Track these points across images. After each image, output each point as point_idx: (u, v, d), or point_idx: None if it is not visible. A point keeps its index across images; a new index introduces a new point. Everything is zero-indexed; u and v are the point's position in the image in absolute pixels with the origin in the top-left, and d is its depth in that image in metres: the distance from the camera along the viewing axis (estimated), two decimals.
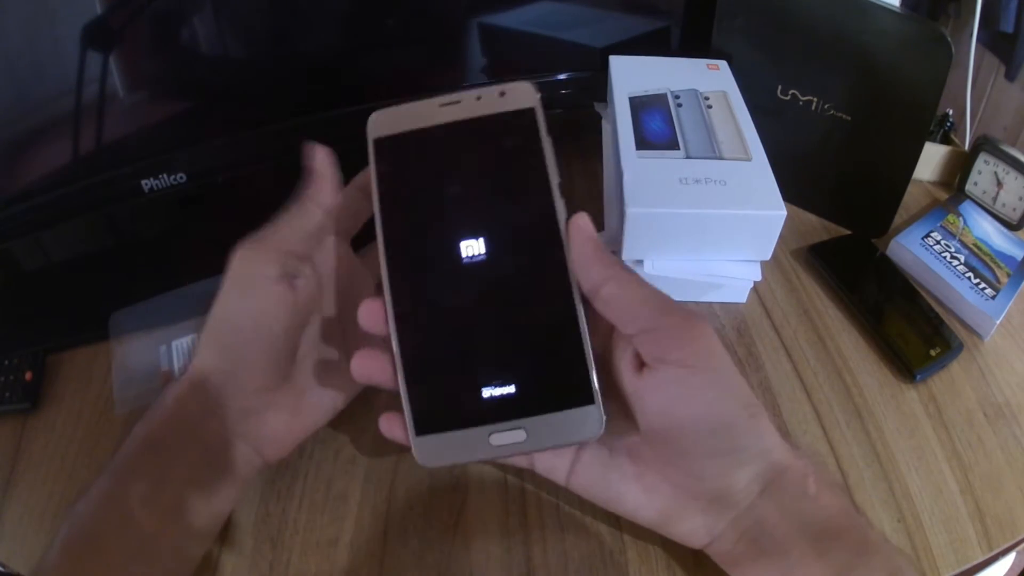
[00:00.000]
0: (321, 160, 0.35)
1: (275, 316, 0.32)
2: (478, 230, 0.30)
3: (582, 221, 0.30)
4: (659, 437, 0.30)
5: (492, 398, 0.29)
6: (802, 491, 0.30)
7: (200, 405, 0.33)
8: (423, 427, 0.30)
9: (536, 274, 0.30)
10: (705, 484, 0.30)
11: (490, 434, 0.29)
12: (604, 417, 0.29)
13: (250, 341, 0.33)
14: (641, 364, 0.30)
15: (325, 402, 0.37)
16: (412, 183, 0.31)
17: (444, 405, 0.30)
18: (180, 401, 0.33)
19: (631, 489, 0.32)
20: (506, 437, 0.29)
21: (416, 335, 0.30)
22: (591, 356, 0.30)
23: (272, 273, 0.32)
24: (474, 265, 0.30)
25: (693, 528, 0.32)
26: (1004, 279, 0.49)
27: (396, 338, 0.30)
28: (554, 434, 0.30)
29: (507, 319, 0.30)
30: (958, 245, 0.52)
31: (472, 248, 0.30)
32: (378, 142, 0.32)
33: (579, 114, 0.59)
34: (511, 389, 0.29)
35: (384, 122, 0.32)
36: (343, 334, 0.37)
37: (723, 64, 0.54)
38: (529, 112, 0.31)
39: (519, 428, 0.29)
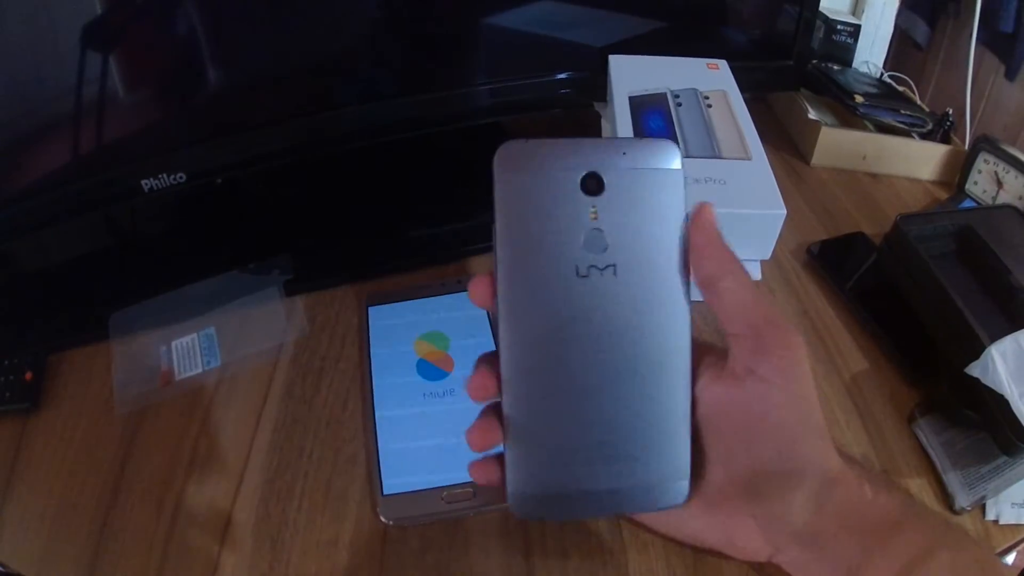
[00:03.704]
0: None
1: None
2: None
3: (707, 210, 0.29)
4: (722, 450, 0.30)
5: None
6: (859, 498, 0.30)
7: None
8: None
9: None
10: (762, 502, 0.30)
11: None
12: (689, 489, 0.30)
13: None
14: (721, 373, 0.30)
15: None
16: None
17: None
18: None
19: (692, 513, 0.32)
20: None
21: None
22: (689, 434, 0.30)
23: None
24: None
25: (755, 546, 0.31)
26: None
27: (506, 398, 0.29)
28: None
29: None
30: None
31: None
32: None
33: (579, 114, 0.59)
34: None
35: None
36: None
37: (723, 64, 0.54)
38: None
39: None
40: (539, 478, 0.29)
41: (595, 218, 0.28)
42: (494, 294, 0.28)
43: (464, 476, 0.35)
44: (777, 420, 0.29)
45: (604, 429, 0.29)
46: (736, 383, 0.29)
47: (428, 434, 0.39)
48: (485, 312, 0.46)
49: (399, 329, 0.45)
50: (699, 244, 0.29)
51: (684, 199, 0.29)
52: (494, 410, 0.30)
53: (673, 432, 0.30)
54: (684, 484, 0.30)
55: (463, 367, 0.42)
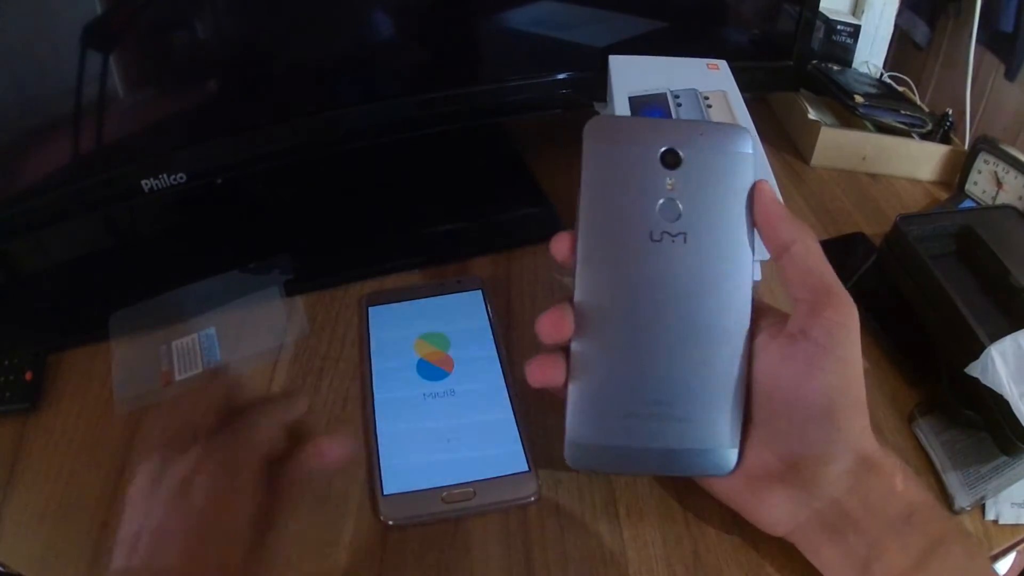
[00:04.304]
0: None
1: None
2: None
3: (766, 186, 0.31)
4: (767, 411, 0.31)
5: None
6: (890, 488, 0.30)
7: None
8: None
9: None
10: (797, 468, 0.31)
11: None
12: (736, 460, 0.31)
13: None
14: (778, 335, 0.31)
15: None
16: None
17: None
18: None
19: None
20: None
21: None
22: (742, 404, 0.31)
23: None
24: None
25: (777, 515, 0.32)
26: None
27: (575, 345, 0.31)
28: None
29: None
30: None
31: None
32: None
33: (579, 114, 0.59)
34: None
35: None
36: None
37: (723, 64, 0.54)
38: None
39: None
40: (597, 428, 0.31)
41: (671, 189, 0.31)
42: (573, 249, 0.31)
43: (463, 476, 0.36)
44: (821, 384, 0.30)
45: (664, 388, 0.31)
46: (789, 343, 0.31)
47: (428, 434, 0.39)
48: (485, 313, 0.46)
49: (399, 329, 0.45)
50: (770, 213, 0.31)
51: (753, 181, 0.32)
52: (559, 352, 0.31)
53: (727, 398, 0.31)
54: (733, 453, 0.31)
55: (463, 367, 0.43)
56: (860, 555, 0.30)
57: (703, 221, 0.31)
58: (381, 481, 0.37)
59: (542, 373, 0.31)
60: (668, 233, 0.31)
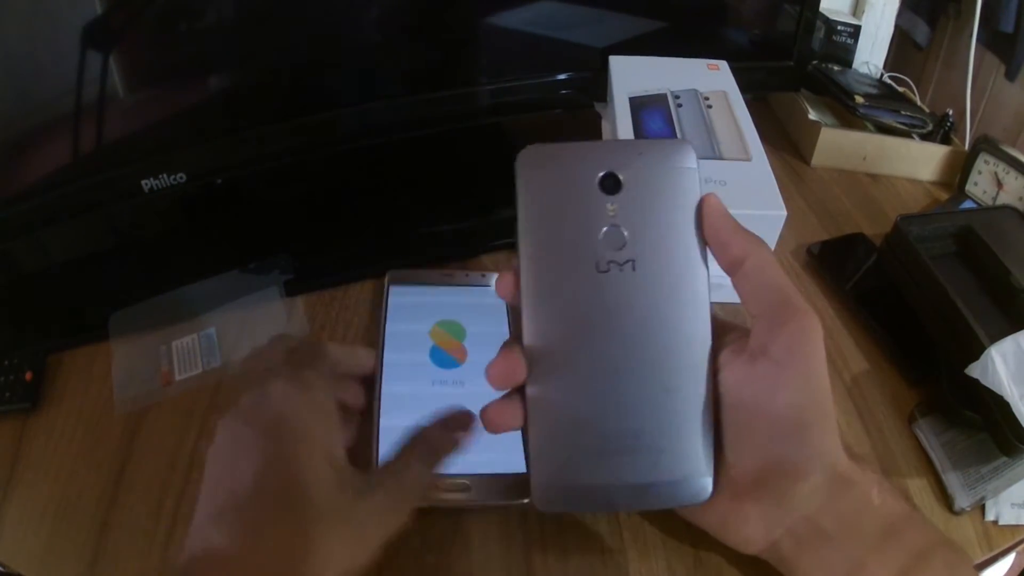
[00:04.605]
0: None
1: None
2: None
3: (713, 199, 0.30)
4: (735, 430, 0.30)
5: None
6: (865, 502, 0.30)
7: None
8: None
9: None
10: (768, 486, 0.30)
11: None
12: (712, 487, 0.30)
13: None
14: (740, 354, 0.30)
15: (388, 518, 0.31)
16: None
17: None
18: None
19: None
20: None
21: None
22: (712, 429, 0.30)
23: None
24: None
25: (749, 533, 0.31)
26: None
27: (530, 389, 0.29)
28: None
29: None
30: None
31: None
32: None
33: (579, 114, 0.59)
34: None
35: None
36: None
37: (723, 64, 0.54)
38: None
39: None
40: (564, 468, 0.30)
41: (614, 215, 0.29)
42: (518, 287, 0.29)
43: (460, 468, 0.35)
44: (786, 401, 0.29)
45: (629, 419, 0.30)
46: (751, 362, 0.29)
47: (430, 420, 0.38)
48: (504, 308, 0.46)
49: (418, 310, 0.45)
50: (718, 229, 0.30)
51: (699, 196, 0.30)
52: (515, 395, 0.30)
53: (696, 424, 0.30)
54: (708, 481, 0.30)
55: (476, 359, 0.42)
56: (838, 571, 0.29)
57: (651, 245, 0.29)
58: (376, 456, 0.37)
59: (500, 418, 0.30)
60: (615, 262, 0.29)
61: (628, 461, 0.30)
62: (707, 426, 0.30)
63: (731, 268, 0.30)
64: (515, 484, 0.36)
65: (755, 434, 0.30)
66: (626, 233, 0.29)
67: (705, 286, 0.30)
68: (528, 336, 0.29)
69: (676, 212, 0.30)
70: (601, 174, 0.29)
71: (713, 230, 0.30)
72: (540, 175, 0.30)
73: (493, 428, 0.30)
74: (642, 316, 0.29)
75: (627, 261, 0.29)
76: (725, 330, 0.31)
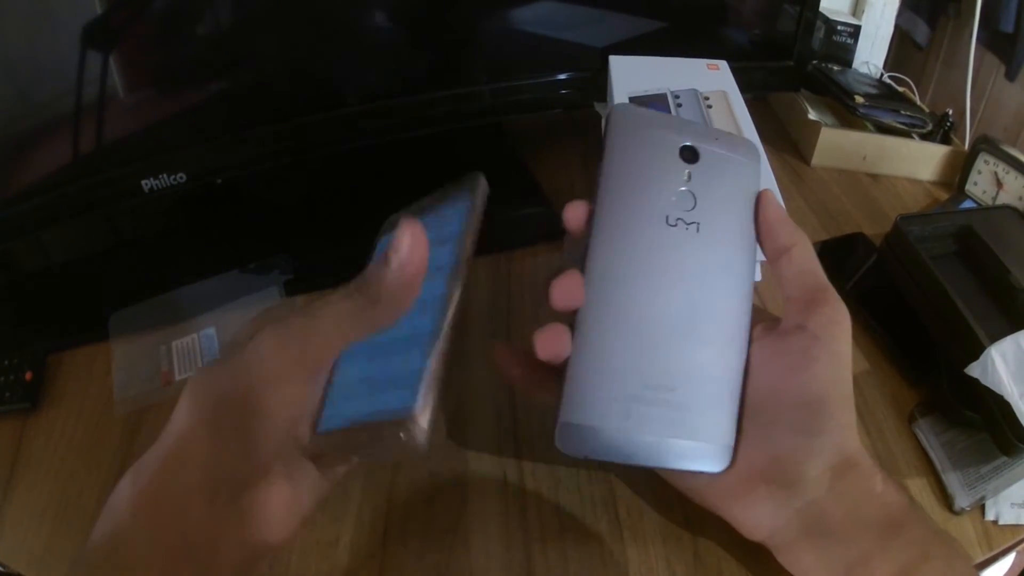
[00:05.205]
0: (409, 248, 0.27)
1: (292, 411, 0.28)
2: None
3: (770, 194, 0.34)
4: (754, 406, 0.32)
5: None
6: (869, 488, 0.30)
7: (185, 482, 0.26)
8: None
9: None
10: (780, 464, 0.31)
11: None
12: (733, 455, 0.31)
13: (255, 422, 0.27)
14: (772, 331, 0.32)
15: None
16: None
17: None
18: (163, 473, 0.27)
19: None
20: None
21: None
22: (740, 400, 0.32)
23: (300, 376, 0.28)
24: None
25: (758, 516, 0.31)
26: None
27: (581, 318, 0.30)
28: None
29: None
30: None
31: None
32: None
33: (579, 114, 0.59)
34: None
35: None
36: None
37: (723, 64, 0.54)
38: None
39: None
40: (595, 409, 0.30)
41: (688, 180, 0.32)
42: (587, 220, 0.31)
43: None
44: (814, 374, 0.30)
45: (667, 373, 0.31)
46: (782, 338, 0.32)
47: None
48: (462, 219, 0.36)
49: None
50: (772, 217, 0.33)
51: (759, 189, 0.34)
52: (565, 325, 0.30)
53: (727, 392, 0.32)
54: (728, 450, 0.31)
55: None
56: (841, 565, 0.29)
57: (715, 214, 0.32)
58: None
59: (552, 343, 0.30)
60: (683, 220, 0.32)
61: (657, 414, 0.31)
62: (737, 395, 0.32)
63: (776, 254, 0.33)
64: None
65: (776, 407, 0.31)
66: (696, 198, 0.32)
67: (754, 263, 0.33)
68: (591, 269, 0.31)
69: (739, 195, 0.33)
70: (683, 144, 0.33)
71: (768, 218, 0.33)
72: (631, 130, 0.32)
73: (543, 352, 0.30)
74: (697, 276, 0.32)
75: (693, 222, 0.32)
76: (757, 315, 0.33)
